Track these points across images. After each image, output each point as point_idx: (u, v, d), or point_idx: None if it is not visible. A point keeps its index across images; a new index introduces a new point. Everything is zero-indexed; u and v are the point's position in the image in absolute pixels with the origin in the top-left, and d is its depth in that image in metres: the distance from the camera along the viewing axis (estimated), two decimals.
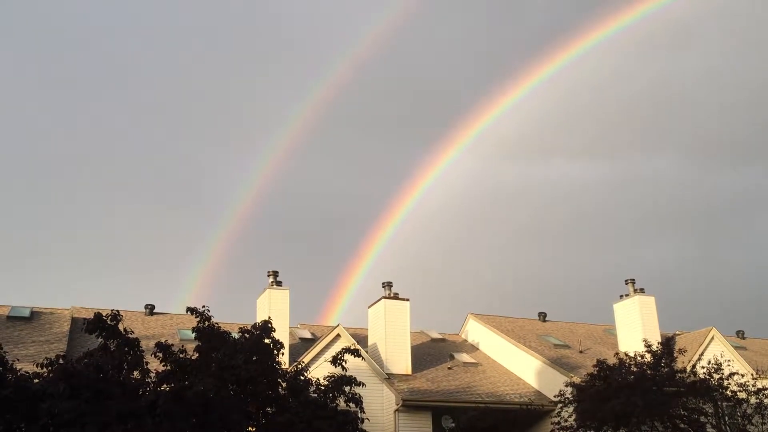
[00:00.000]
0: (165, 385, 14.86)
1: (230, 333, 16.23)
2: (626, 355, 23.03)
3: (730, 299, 56.70)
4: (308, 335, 28.42)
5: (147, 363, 15.08)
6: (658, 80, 64.10)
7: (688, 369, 22.82)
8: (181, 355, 15.38)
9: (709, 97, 64.87)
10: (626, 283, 30.55)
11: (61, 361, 14.06)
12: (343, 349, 16.89)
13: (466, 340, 31.89)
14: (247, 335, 15.94)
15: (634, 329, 28.80)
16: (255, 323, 16.62)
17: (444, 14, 65.07)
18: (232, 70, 67.00)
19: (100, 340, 15.13)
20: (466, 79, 66.98)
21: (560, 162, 68.32)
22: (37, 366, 14.12)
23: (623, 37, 50.41)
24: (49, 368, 13.98)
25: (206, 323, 15.90)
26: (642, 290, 30.05)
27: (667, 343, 23.25)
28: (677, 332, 30.62)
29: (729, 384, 22.09)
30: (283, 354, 16.60)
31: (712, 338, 28.75)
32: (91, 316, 15.23)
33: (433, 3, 57.44)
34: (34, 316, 25.38)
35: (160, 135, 65.84)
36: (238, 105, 67.31)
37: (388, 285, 27.37)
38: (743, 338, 34.39)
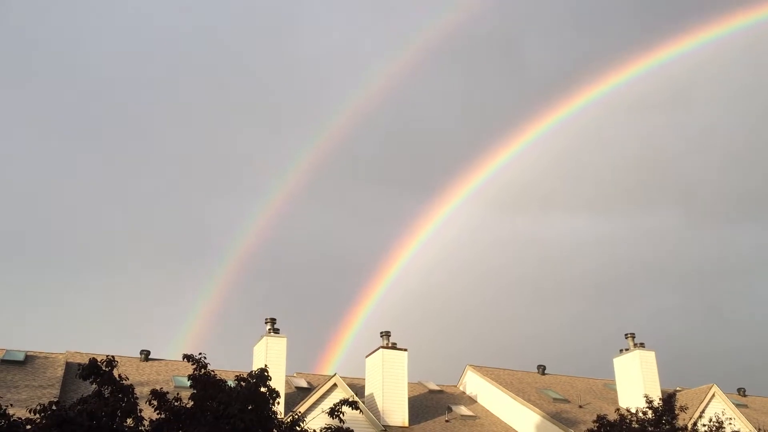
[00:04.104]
0: None
1: (226, 381, 16.03)
2: (627, 410, 22.76)
3: (731, 356, 56.25)
4: (304, 384, 28.10)
5: (141, 410, 14.85)
6: (658, 137, 64.78)
7: (690, 426, 22.52)
8: (175, 403, 15.17)
9: (710, 155, 65.46)
10: (626, 338, 30.36)
11: (54, 407, 13.86)
12: (341, 401, 16.63)
13: (464, 392, 31.52)
14: (242, 383, 15.75)
15: (634, 384, 28.52)
16: (251, 371, 16.43)
17: (444, 67, 66.05)
18: (230, 120, 67.70)
19: (94, 386, 14.94)
20: (466, 131, 67.59)
21: (560, 216, 68.51)
22: (30, 412, 13.91)
23: (623, 93, 51.14)
24: (42, 414, 13.76)
25: (202, 371, 15.72)
26: (642, 345, 29.86)
27: (669, 399, 22.98)
28: (678, 388, 30.31)
29: None
30: (278, 403, 16.38)
31: (713, 395, 28.45)
32: (86, 361, 15.05)
33: (432, 56, 58.28)
34: (29, 360, 25.13)
35: (159, 183, 66.19)
36: (236, 155, 67.83)
37: (386, 334, 27.18)
38: (744, 396, 34.03)
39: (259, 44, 66.63)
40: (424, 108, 67.20)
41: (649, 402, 22.27)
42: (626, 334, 30.38)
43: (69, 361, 24.98)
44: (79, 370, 14.96)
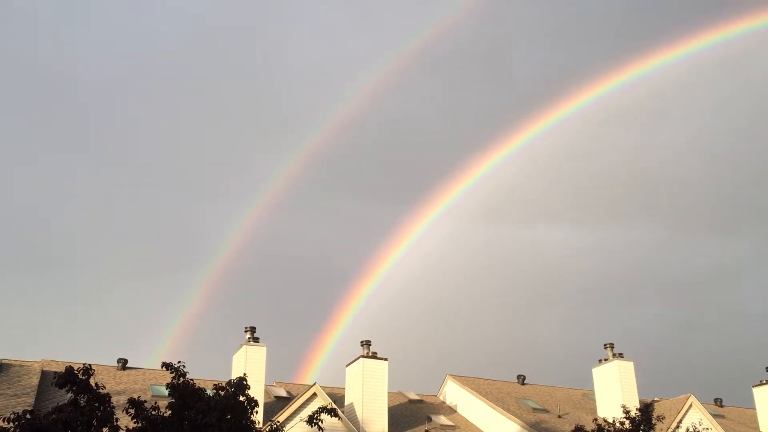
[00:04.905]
0: None
1: (205, 390, 15.90)
2: (605, 420, 22.85)
3: (708, 366, 56.75)
4: (284, 393, 27.94)
5: (117, 420, 14.67)
6: (638, 149, 65.43)
7: None
8: (153, 412, 15.02)
9: (691, 167, 66.21)
10: (605, 348, 30.50)
11: (28, 416, 13.67)
12: (319, 408, 16.54)
13: (444, 402, 31.49)
14: (221, 392, 15.63)
15: (613, 394, 28.65)
16: (230, 380, 16.32)
17: (428, 78, 66.37)
18: (217, 127, 67.46)
19: (70, 394, 14.76)
20: (449, 141, 67.91)
21: (542, 226, 68.91)
22: (3, 421, 13.71)
23: (606, 104, 51.63)
24: (16, 423, 13.56)
25: (181, 379, 15.57)
26: (621, 355, 30.02)
27: (646, 409, 23.14)
28: (655, 399, 30.48)
29: None
30: (257, 412, 16.26)
31: (690, 405, 28.64)
32: (62, 369, 14.87)
33: (417, 68, 58.63)
34: (3, 367, 24.77)
35: (144, 189, 65.79)
36: (222, 162, 67.60)
37: (366, 344, 27.10)
38: (721, 406, 34.28)
39: (258, 50, 66.63)
40: (409, 117, 67.44)
41: (627, 412, 22.38)
42: (605, 345, 30.53)
43: (45, 369, 24.66)
44: (54, 378, 14.78)
